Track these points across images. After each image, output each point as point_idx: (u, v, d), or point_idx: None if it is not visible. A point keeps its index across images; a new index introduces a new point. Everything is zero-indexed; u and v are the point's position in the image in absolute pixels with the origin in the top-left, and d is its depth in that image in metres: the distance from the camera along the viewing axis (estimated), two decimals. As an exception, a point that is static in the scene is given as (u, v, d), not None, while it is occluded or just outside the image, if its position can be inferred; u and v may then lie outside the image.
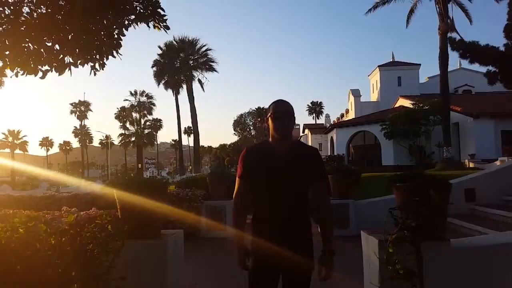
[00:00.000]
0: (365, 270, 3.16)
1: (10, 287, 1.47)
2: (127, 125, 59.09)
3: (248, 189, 2.11)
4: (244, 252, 2.07)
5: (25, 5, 2.67)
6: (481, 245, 3.14)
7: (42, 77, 2.72)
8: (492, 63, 7.19)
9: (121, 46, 2.89)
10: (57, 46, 2.69)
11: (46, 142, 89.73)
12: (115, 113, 59.50)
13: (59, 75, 2.77)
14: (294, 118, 2.11)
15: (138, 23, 2.95)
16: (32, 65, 2.60)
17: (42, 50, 2.61)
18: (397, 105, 31.09)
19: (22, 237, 1.56)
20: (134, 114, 58.44)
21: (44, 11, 2.66)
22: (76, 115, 67.53)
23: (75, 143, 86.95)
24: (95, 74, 2.96)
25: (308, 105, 73.28)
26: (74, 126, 74.20)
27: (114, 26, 2.86)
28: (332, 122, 47.37)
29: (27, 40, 2.58)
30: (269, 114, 2.10)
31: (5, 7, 2.57)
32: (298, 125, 63.96)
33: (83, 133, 74.19)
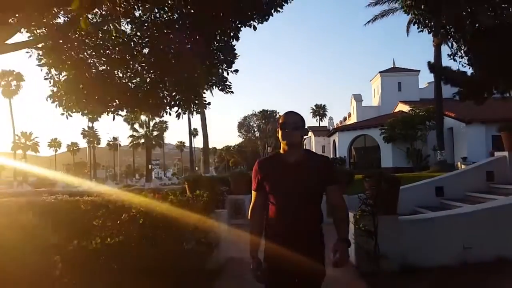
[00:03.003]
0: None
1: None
2: (137, 127, 61.15)
3: (264, 201, 2.20)
4: (258, 265, 2.12)
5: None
6: (420, 219, 4.93)
7: (160, 117, 4.63)
8: (460, 86, 8.84)
9: (207, 105, 4.86)
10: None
11: (55, 143, 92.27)
12: (124, 116, 61.59)
13: (178, 119, 4.73)
14: (303, 128, 2.21)
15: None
16: (157, 112, 4.52)
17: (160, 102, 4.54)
18: (396, 110, 32.67)
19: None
20: (142, 117, 60.51)
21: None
22: (88, 117, 69.51)
23: (81, 144, 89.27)
24: (192, 116, 4.89)
25: (312, 107, 75.08)
26: (83, 128, 76.48)
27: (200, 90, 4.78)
28: (335, 125, 48.96)
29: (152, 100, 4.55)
30: (278, 124, 2.22)
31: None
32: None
33: (91, 135, 76.46)
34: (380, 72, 38.43)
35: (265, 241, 2.18)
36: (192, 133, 79.71)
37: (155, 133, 60.58)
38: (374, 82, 40.83)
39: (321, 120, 72.27)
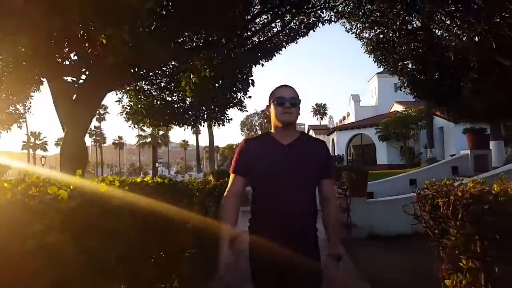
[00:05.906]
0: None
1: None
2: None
3: (243, 185, 1.96)
4: (227, 256, 1.81)
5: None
6: (382, 200, 6.68)
7: (192, 128, 6.45)
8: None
9: (230, 120, 6.67)
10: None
11: (60, 142, 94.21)
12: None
13: (209, 129, 6.48)
14: (299, 104, 1.92)
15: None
16: (194, 125, 6.35)
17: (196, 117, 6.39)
18: (392, 110, 34.28)
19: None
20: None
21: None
22: (95, 118, 71.57)
23: (87, 143, 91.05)
24: (217, 127, 6.72)
25: (312, 106, 76.62)
26: (89, 128, 78.35)
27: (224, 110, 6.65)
28: (335, 123, 50.60)
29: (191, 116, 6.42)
30: (272, 100, 1.91)
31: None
32: (304, 124, 67.41)
33: (97, 134, 78.46)
34: (377, 73, 39.94)
35: (250, 236, 1.94)
36: (195, 131, 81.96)
37: (161, 132, 62.53)
38: (371, 83, 42.38)
39: (322, 119, 73.84)
